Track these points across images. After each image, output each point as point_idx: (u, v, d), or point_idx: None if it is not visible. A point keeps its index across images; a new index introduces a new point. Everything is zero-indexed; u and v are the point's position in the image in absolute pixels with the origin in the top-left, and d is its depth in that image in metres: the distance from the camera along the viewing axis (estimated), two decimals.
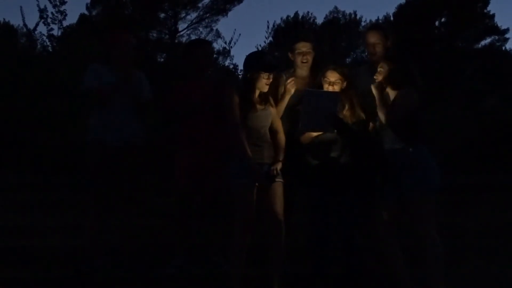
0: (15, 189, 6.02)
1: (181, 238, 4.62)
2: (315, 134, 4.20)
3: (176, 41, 24.21)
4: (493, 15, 25.22)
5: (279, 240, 4.00)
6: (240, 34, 14.00)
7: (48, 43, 9.92)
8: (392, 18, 25.56)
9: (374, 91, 4.05)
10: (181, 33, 25.11)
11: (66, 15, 9.56)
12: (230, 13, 25.57)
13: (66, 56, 8.63)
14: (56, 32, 9.63)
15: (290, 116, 4.36)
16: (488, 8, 25.14)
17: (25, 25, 9.93)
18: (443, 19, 25.01)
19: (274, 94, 4.32)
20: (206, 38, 22.42)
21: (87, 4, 23.16)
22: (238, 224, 3.94)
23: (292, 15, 28.25)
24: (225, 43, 12.68)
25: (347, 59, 25.39)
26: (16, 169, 6.54)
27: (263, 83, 4.04)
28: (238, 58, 27.87)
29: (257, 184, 3.94)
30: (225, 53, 16.56)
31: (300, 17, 28.23)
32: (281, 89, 4.41)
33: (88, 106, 4.75)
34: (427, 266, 3.81)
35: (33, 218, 5.43)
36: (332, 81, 4.20)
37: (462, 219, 5.37)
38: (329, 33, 26.31)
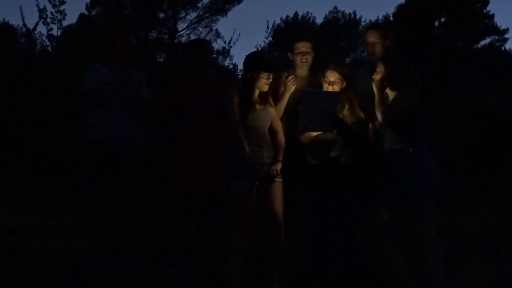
0: (15, 189, 6.02)
1: (181, 238, 4.62)
2: (314, 134, 4.20)
3: (175, 41, 24.24)
4: (493, 15, 25.29)
5: (279, 240, 4.00)
6: (239, 34, 14.00)
7: (48, 43, 9.90)
8: (391, 18, 25.59)
9: (374, 88, 4.05)
10: (181, 33, 25.16)
11: (65, 15, 9.54)
12: (229, 13, 25.65)
13: (66, 56, 8.61)
14: (55, 32, 9.61)
15: (290, 116, 4.36)
16: (488, 8, 25.22)
17: (24, 25, 9.90)
18: (442, 19, 25.04)
19: (274, 94, 4.32)
20: (206, 38, 22.42)
21: (86, 4, 23.26)
22: (237, 224, 3.94)
23: (291, 15, 28.32)
24: (225, 43, 12.71)
25: (347, 59, 25.41)
26: (16, 169, 6.54)
27: (263, 83, 4.04)
28: (238, 58, 27.90)
29: (256, 184, 3.95)
30: (225, 53, 16.53)
31: (299, 17, 28.26)
32: (281, 89, 4.41)
33: (88, 106, 4.75)
34: (427, 266, 3.81)
35: (33, 218, 5.43)
36: (332, 81, 4.20)
37: (462, 219, 5.37)
38: (328, 33, 26.33)
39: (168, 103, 4.77)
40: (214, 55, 15.65)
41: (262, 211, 4.04)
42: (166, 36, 25.01)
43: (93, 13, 23.11)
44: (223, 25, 38.10)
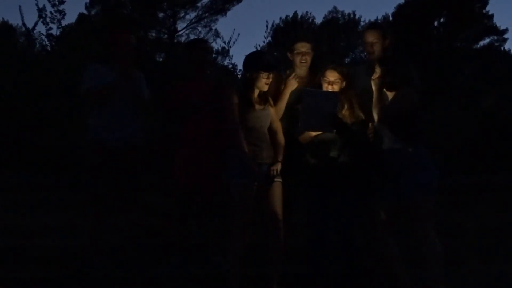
0: (15, 189, 6.02)
1: (181, 238, 4.62)
2: (314, 133, 4.20)
3: (175, 40, 24.22)
4: (492, 15, 25.25)
5: (278, 240, 4.00)
6: (239, 34, 14.09)
7: (47, 43, 9.91)
8: (391, 18, 25.57)
9: (374, 87, 4.05)
10: (180, 32, 25.13)
11: (65, 14, 9.57)
12: (229, 13, 25.59)
13: (65, 56, 8.61)
14: (55, 31, 9.63)
15: (290, 116, 4.36)
16: (487, 8, 25.18)
17: (24, 24, 9.91)
18: (442, 19, 25.02)
19: (275, 94, 4.33)
20: (205, 38, 22.42)
21: (86, 4, 23.22)
22: (237, 224, 3.94)
23: (291, 15, 28.29)
24: (224, 42, 12.74)
25: (346, 59, 25.38)
26: (16, 169, 6.54)
27: (263, 83, 4.05)
28: (237, 58, 27.96)
29: (256, 184, 3.94)
30: (224, 52, 16.54)
31: (299, 17, 28.24)
32: (281, 88, 4.42)
33: (88, 106, 4.75)
34: (426, 266, 3.81)
35: (33, 218, 5.43)
36: (332, 81, 4.20)
37: (462, 219, 5.37)
38: (328, 33, 26.31)
39: (167, 103, 4.77)
40: (214, 55, 15.66)
41: (262, 211, 4.04)
42: (166, 35, 25.00)
43: (93, 12, 23.09)
44: (223, 25, 38.18)
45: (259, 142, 4.04)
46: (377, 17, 27.62)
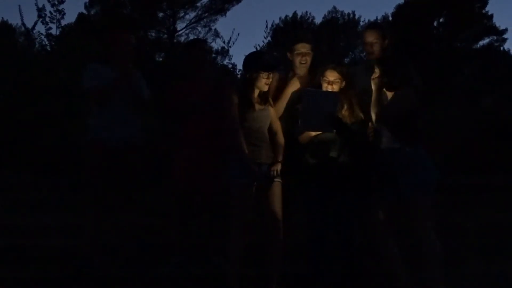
0: (15, 189, 6.02)
1: (181, 238, 4.62)
2: (314, 133, 4.19)
3: (174, 40, 24.22)
4: (492, 16, 25.30)
5: (278, 240, 4.01)
6: (238, 34, 14.03)
7: (47, 42, 9.88)
8: (390, 18, 25.60)
9: (373, 87, 4.05)
10: (180, 32, 25.15)
11: (64, 14, 9.54)
12: (228, 13, 25.64)
13: (65, 56, 8.60)
14: (54, 31, 9.61)
15: (289, 116, 4.36)
16: (487, 9, 25.22)
17: (23, 24, 9.89)
18: (441, 19, 25.04)
19: (275, 94, 4.33)
20: (205, 38, 22.47)
21: (85, 3, 23.22)
22: (236, 224, 3.94)
23: (290, 15, 28.32)
24: (224, 42, 12.72)
25: (346, 59, 25.40)
26: (16, 169, 6.54)
27: (263, 83, 4.04)
28: (237, 58, 27.95)
29: (255, 184, 3.94)
30: (224, 52, 16.53)
31: (298, 17, 28.28)
32: (282, 87, 4.42)
33: (88, 105, 4.74)
34: (426, 266, 3.81)
35: (33, 218, 5.43)
36: (331, 80, 4.19)
37: (462, 219, 5.37)
38: (327, 33, 26.33)
39: (167, 103, 4.77)
40: (213, 55, 15.65)
41: (261, 211, 4.04)
42: (165, 35, 25.01)
43: (92, 12, 23.10)
44: (222, 24, 38.11)
45: (259, 142, 4.04)
46: (376, 17, 27.69)
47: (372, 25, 5.05)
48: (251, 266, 4.09)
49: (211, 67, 6.75)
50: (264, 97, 4.12)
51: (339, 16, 28.91)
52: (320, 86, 4.24)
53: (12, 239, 5.04)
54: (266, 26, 18.98)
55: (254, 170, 3.89)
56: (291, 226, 4.27)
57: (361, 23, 27.63)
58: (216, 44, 28.17)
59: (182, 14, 25.26)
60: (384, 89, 4.04)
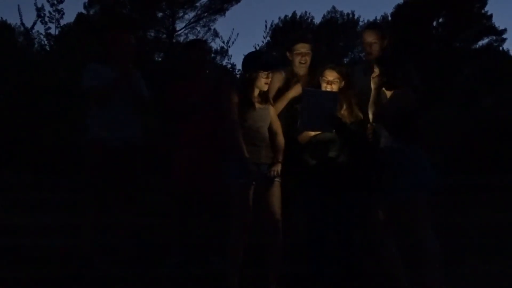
0: (15, 189, 6.01)
1: (180, 238, 4.63)
2: (313, 133, 4.20)
3: (174, 40, 24.21)
4: (491, 16, 25.28)
5: (277, 240, 4.00)
6: (238, 34, 14.11)
7: (46, 42, 9.91)
8: (390, 18, 25.58)
9: (372, 86, 4.05)
10: (179, 32, 25.11)
11: (63, 14, 9.58)
12: (228, 13, 25.58)
13: (64, 55, 8.61)
14: (53, 31, 9.64)
15: (289, 115, 4.36)
16: (486, 9, 25.20)
17: (22, 24, 9.92)
18: (441, 20, 25.03)
19: (275, 94, 4.33)
20: (204, 38, 22.47)
21: (84, 3, 23.19)
22: (235, 224, 3.94)
23: (290, 15, 28.29)
24: (223, 42, 12.72)
25: (345, 59, 25.39)
26: (16, 169, 6.53)
27: (263, 83, 4.04)
28: (236, 58, 27.93)
29: (254, 184, 3.94)
30: (223, 52, 16.54)
31: (298, 17, 28.24)
32: (282, 87, 4.42)
33: (88, 105, 4.74)
34: (425, 266, 3.81)
35: (33, 218, 5.43)
36: (331, 80, 4.19)
37: (462, 219, 5.37)
38: (327, 33, 26.31)
39: (167, 103, 4.77)
40: (213, 55, 15.66)
41: (261, 211, 4.04)
42: (164, 35, 24.98)
43: (91, 12, 23.06)
44: (222, 24, 38.05)
45: (259, 142, 4.03)
46: (376, 17, 27.59)
47: (372, 25, 5.06)
48: (251, 266, 4.09)
49: (211, 67, 6.74)
50: (264, 97, 4.12)
51: (339, 16, 28.87)
52: (320, 86, 4.24)
53: (12, 239, 5.04)
54: (266, 26, 18.98)
55: (253, 170, 3.89)
56: (291, 226, 4.27)
57: (361, 23, 27.58)
58: (216, 44, 28.17)
59: (181, 14, 25.24)
60: (383, 89, 4.04)
